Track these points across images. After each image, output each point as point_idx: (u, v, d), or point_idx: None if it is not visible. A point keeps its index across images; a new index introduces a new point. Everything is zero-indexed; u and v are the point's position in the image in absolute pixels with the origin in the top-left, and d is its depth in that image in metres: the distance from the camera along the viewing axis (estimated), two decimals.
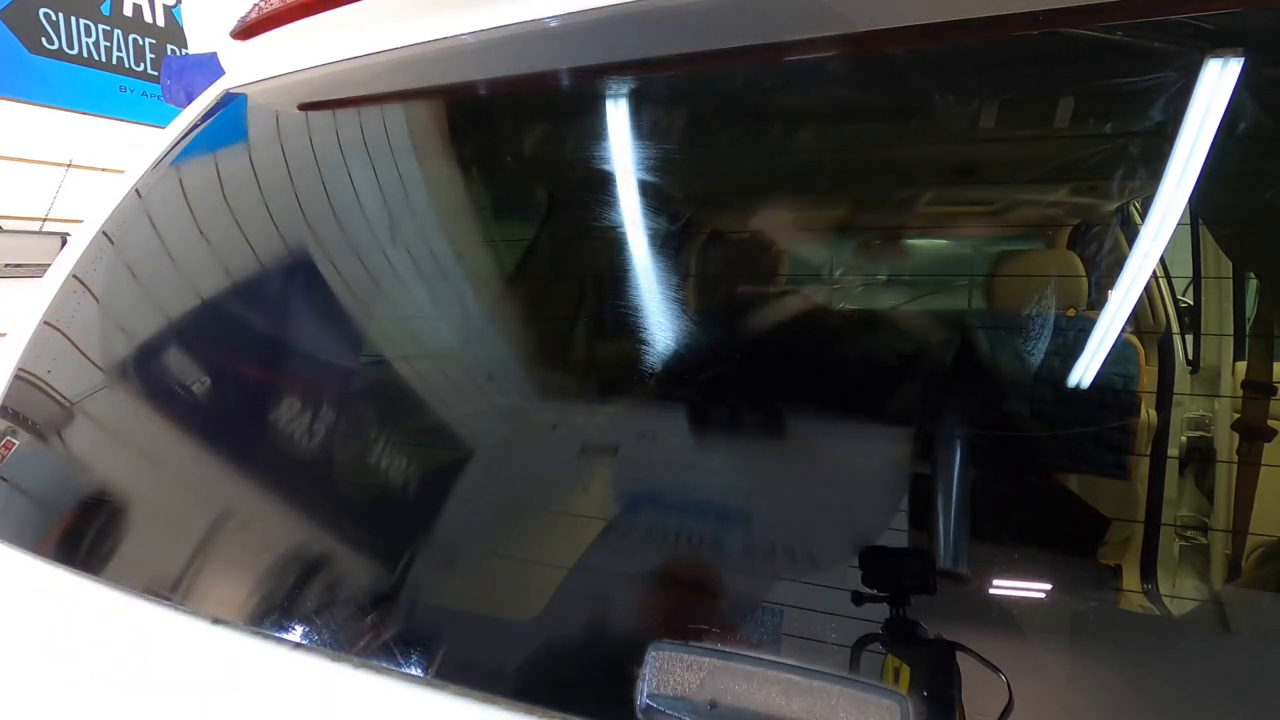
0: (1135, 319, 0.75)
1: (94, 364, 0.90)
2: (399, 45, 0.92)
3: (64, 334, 0.95)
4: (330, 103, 1.03)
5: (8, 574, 0.75)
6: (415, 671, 0.56)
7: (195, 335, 0.88)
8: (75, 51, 4.32)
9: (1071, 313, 0.97)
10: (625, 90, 0.88)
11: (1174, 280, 0.89)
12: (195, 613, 0.66)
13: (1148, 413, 0.71)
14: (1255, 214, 0.72)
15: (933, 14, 0.64)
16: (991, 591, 0.57)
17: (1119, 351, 0.72)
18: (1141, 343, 0.75)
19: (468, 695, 0.53)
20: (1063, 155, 0.93)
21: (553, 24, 0.79)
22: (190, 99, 1.14)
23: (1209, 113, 0.63)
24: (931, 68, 0.84)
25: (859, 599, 0.56)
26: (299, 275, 0.95)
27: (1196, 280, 0.80)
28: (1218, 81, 0.62)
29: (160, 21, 4.80)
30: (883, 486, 0.68)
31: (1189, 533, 0.64)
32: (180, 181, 1.04)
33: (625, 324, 0.88)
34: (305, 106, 1.04)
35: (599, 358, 1.05)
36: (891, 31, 0.66)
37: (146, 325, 0.91)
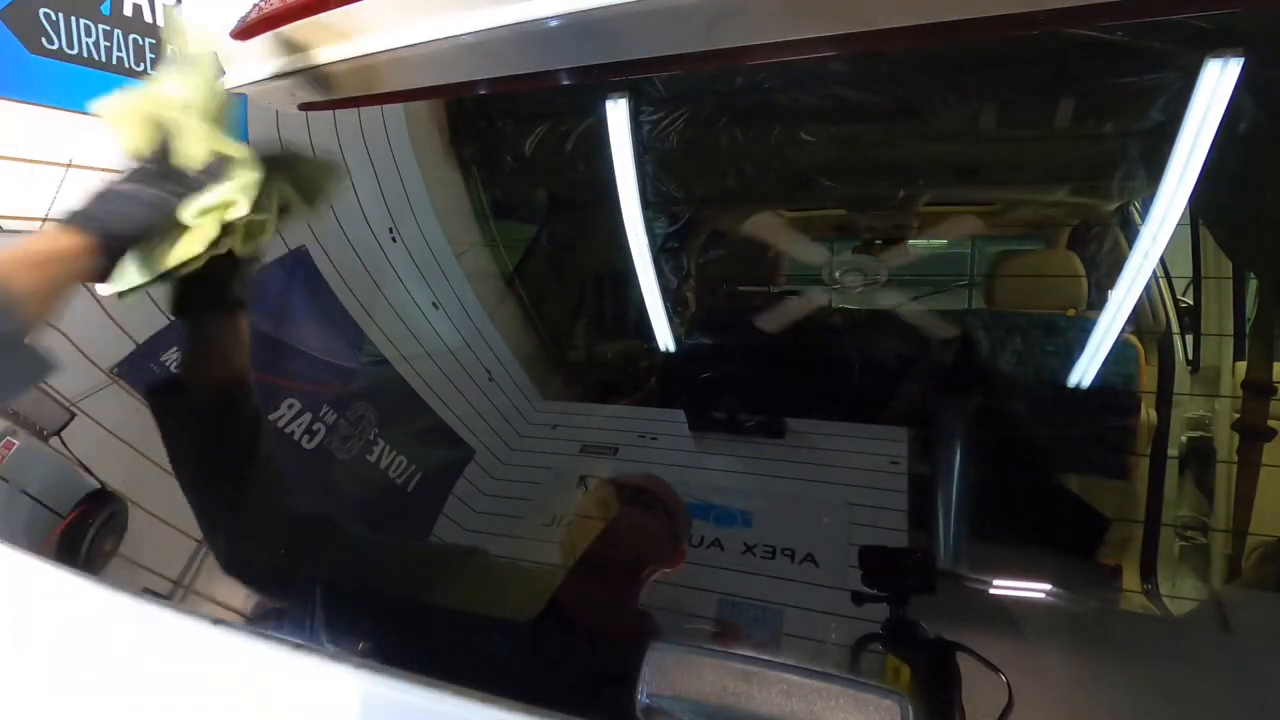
0: (1135, 319, 0.75)
1: (94, 364, 0.90)
2: (399, 45, 0.91)
3: (64, 334, 0.95)
4: (331, 103, 1.02)
5: (8, 574, 0.75)
6: (415, 672, 0.56)
7: None
8: (75, 51, 4.31)
9: (1071, 313, 0.97)
10: (630, 91, 0.88)
11: (1174, 280, 0.89)
12: (195, 613, 0.66)
13: (1148, 413, 0.71)
14: (1255, 214, 0.72)
15: (932, 14, 0.64)
16: (991, 591, 0.57)
17: (1119, 351, 0.72)
18: (1141, 343, 0.75)
19: (468, 695, 0.53)
20: (1063, 155, 0.93)
21: (553, 24, 0.79)
22: None
23: (1209, 113, 0.62)
24: (931, 68, 0.84)
25: (859, 599, 0.56)
26: (299, 275, 0.95)
27: (1196, 280, 0.80)
28: (1218, 81, 0.62)
29: (160, 21, 4.80)
30: (882, 486, 0.68)
31: (1189, 533, 0.64)
32: None
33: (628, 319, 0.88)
34: (305, 106, 1.04)
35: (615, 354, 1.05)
36: (890, 32, 0.66)
37: (146, 325, 0.90)
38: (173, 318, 0.69)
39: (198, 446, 0.72)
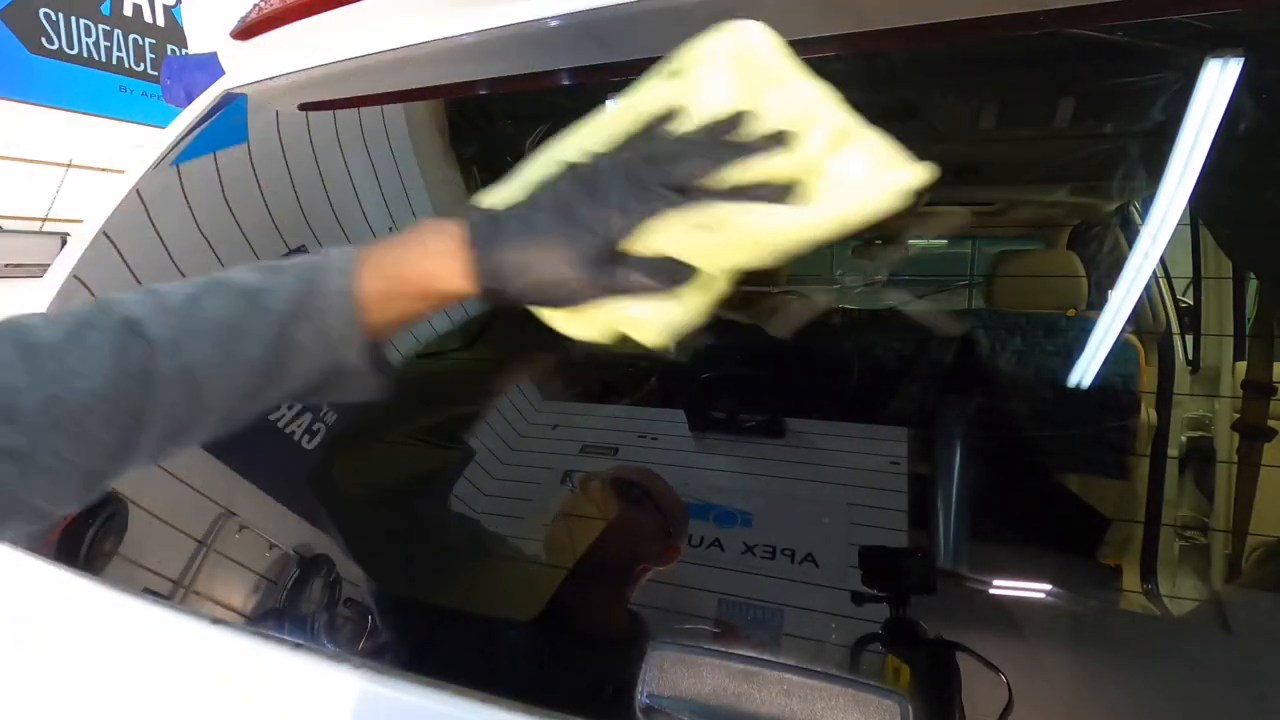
0: (1135, 319, 0.75)
1: None
2: (399, 45, 0.92)
3: None
4: (331, 103, 1.03)
5: (8, 574, 0.75)
6: (416, 672, 0.56)
7: None
8: (75, 51, 4.32)
9: (1071, 313, 0.97)
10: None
11: (1174, 280, 0.89)
12: (195, 613, 0.66)
13: (1148, 413, 0.71)
14: (1255, 214, 0.72)
15: (932, 14, 0.64)
16: (991, 591, 0.57)
17: (1119, 351, 0.72)
18: (1141, 343, 0.75)
19: (468, 695, 0.53)
20: (1063, 155, 0.93)
21: (553, 24, 0.79)
22: (190, 99, 1.14)
23: (1209, 113, 0.62)
24: (930, 68, 0.84)
25: (859, 599, 0.56)
26: None
27: (1196, 280, 0.80)
28: (1218, 81, 0.62)
29: (160, 21, 4.80)
30: (882, 486, 0.68)
31: (1189, 533, 0.64)
32: (181, 182, 1.04)
33: None
34: (305, 106, 1.04)
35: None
36: (888, 32, 0.66)
37: None
38: None
39: None
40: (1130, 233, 0.89)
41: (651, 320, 0.43)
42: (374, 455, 0.84)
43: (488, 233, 0.42)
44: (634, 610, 0.61)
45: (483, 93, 0.98)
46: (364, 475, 0.83)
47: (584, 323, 0.44)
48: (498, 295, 0.43)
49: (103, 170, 4.14)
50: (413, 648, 0.62)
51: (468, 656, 0.61)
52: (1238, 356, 0.73)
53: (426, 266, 0.44)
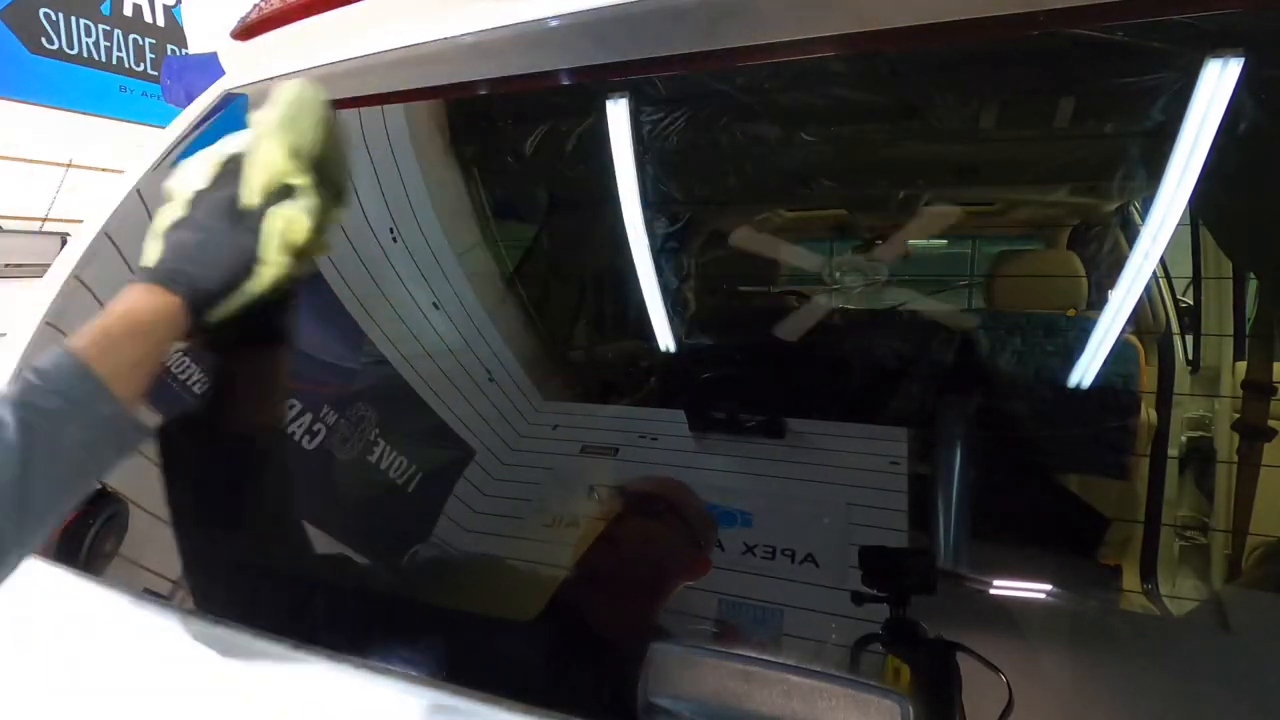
0: (1135, 319, 0.75)
1: None
2: (399, 45, 0.91)
3: (65, 334, 0.95)
4: (331, 103, 1.02)
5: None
6: (416, 672, 0.56)
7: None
8: (75, 51, 4.32)
9: (1071, 313, 0.97)
10: (630, 91, 0.88)
11: (1174, 280, 0.89)
12: (195, 613, 0.66)
13: (1148, 413, 0.71)
14: (1255, 214, 0.72)
15: (932, 14, 0.64)
16: (991, 591, 0.57)
17: (1119, 351, 0.72)
18: (1141, 343, 0.75)
19: (468, 695, 0.53)
20: (1063, 155, 0.93)
21: (553, 24, 0.79)
22: (190, 99, 1.14)
23: (1209, 113, 0.62)
24: (930, 67, 0.84)
25: (859, 599, 0.56)
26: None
27: (1196, 280, 0.80)
28: (1218, 81, 0.62)
29: (160, 21, 4.80)
30: (882, 486, 0.68)
31: (1189, 533, 0.64)
32: None
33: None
34: None
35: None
36: (890, 32, 0.66)
37: None
38: (203, 351, 0.65)
39: (212, 502, 0.70)
40: (1130, 233, 0.89)
41: (296, 218, 0.57)
42: (374, 455, 0.84)
43: (163, 269, 0.55)
44: (656, 621, 0.61)
45: (482, 93, 0.98)
46: (364, 475, 0.83)
47: (269, 268, 0.56)
48: (197, 298, 0.54)
49: (103, 170, 4.14)
50: (414, 648, 0.62)
51: (471, 659, 0.61)
52: (1238, 356, 0.73)
53: (124, 309, 0.52)
